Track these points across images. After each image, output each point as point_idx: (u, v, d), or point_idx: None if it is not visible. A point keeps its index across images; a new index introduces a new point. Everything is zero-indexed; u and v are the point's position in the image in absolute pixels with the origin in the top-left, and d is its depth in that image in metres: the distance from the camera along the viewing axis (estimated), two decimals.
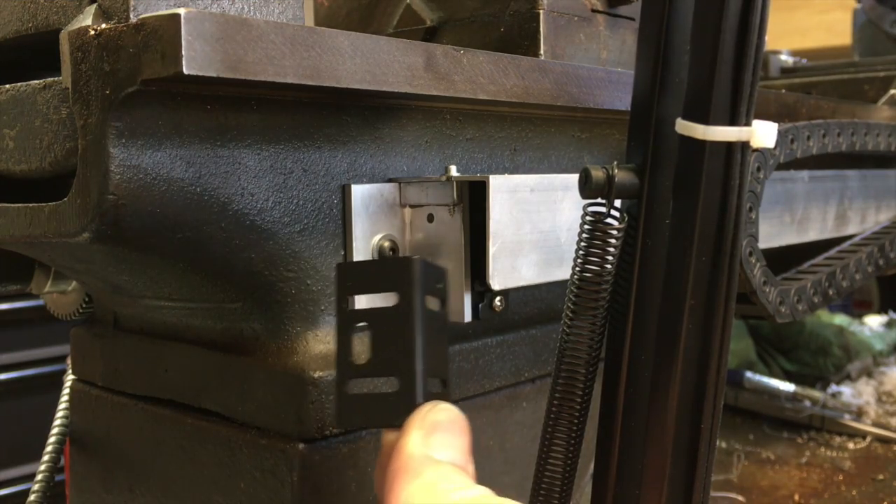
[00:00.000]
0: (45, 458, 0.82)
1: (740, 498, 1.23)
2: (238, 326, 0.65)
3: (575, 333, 0.57)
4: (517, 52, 0.77)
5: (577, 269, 0.56)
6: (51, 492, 0.82)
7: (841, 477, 1.30)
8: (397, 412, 0.48)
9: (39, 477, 0.82)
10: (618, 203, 0.55)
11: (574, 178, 0.57)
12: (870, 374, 1.73)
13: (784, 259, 0.98)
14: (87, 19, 0.53)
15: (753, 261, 0.84)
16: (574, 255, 0.57)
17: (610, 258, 0.55)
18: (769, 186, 0.89)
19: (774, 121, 0.53)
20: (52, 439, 0.82)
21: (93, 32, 0.51)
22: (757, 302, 0.86)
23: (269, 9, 0.59)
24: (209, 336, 0.68)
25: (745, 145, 0.53)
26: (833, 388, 1.64)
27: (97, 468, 0.79)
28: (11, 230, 0.59)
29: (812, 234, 1.05)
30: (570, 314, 0.57)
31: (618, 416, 0.56)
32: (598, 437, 0.58)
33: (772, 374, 1.69)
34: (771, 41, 1.71)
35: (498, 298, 0.67)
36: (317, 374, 0.61)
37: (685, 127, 0.52)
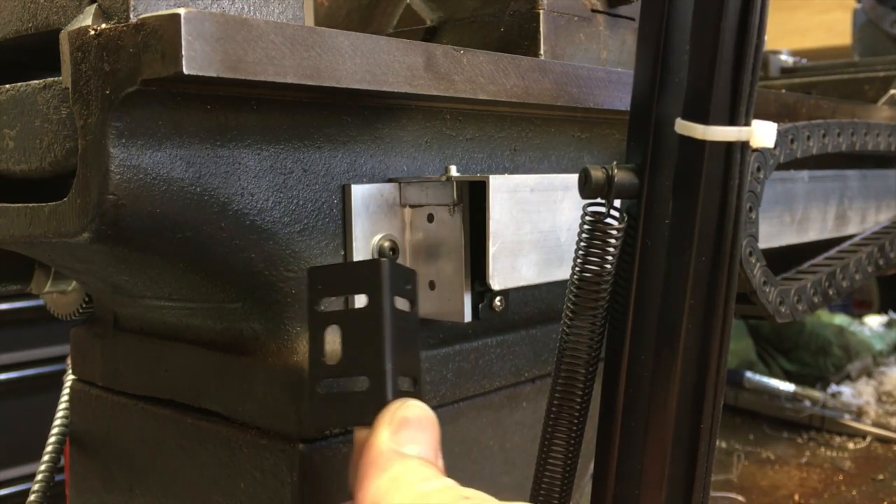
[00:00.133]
0: (45, 458, 0.82)
1: (740, 498, 1.23)
2: (238, 326, 0.65)
3: (575, 333, 0.57)
4: (517, 52, 0.77)
5: (577, 269, 0.56)
6: (51, 492, 0.82)
7: (841, 477, 1.30)
8: (368, 410, 0.49)
9: (39, 477, 0.82)
10: (617, 203, 0.55)
11: (574, 178, 0.57)
12: (870, 374, 1.73)
13: (784, 259, 0.98)
14: (87, 19, 0.53)
15: (753, 261, 0.84)
16: (574, 255, 0.57)
17: (610, 258, 0.55)
18: (769, 186, 0.89)
19: (774, 121, 0.54)
20: (52, 439, 0.82)
21: (93, 32, 0.51)
22: (757, 302, 0.86)
23: (269, 9, 0.59)
24: (209, 336, 0.68)
25: (744, 145, 0.53)
26: (833, 388, 1.64)
27: (97, 468, 0.79)
28: (11, 230, 0.59)
29: (812, 234, 1.05)
30: (570, 314, 0.57)
31: (618, 416, 0.56)
32: (598, 437, 0.58)
33: (772, 374, 1.69)
34: (771, 41, 1.71)
35: (498, 298, 0.67)
36: None
37: (685, 127, 0.52)
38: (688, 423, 0.55)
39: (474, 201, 0.64)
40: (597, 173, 0.54)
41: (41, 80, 0.58)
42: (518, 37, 0.82)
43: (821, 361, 1.71)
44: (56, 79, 0.56)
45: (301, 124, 0.60)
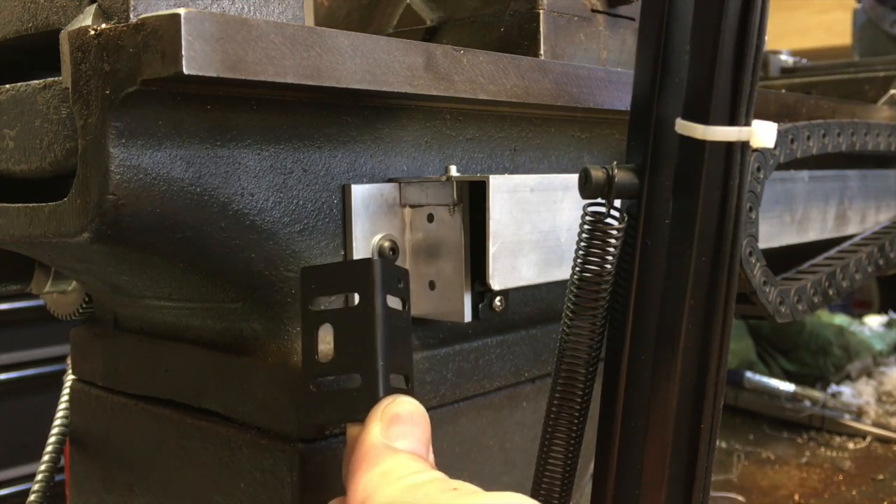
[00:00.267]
0: (45, 458, 0.82)
1: (740, 498, 1.23)
2: (238, 326, 0.65)
3: (575, 333, 0.57)
4: (517, 52, 0.77)
5: (577, 269, 0.56)
6: (51, 492, 0.82)
7: (841, 477, 1.30)
8: (360, 407, 0.51)
9: (39, 477, 0.82)
10: (618, 203, 0.55)
11: (574, 178, 0.57)
12: (870, 374, 1.73)
13: (784, 259, 0.98)
14: (87, 19, 0.53)
15: (753, 261, 0.84)
16: (574, 255, 0.57)
17: (610, 258, 0.55)
18: (769, 186, 0.89)
19: (774, 121, 0.54)
20: (52, 439, 0.82)
21: (93, 32, 0.51)
22: (757, 302, 0.86)
23: (269, 9, 0.59)
24: (209, 336, 0.68)
25: (744, 145, 0.53)
26: (833, 388, 1.64)
27: (97, 468, 0.79)
28: (11, 230, 0.59)
29: (812, 234, 1.05)
30: (570, 314, 0.57)
31: (618, 416, 0.56)
32: (598, 437, 0.58)
33: (772, 374, 1.69)
34: (771, 41, 1.71)
35: (498, 298, 0.67)
36: None
37: (685, 127, 0.52)
38: (688, 423, 0.55)
39: (474, 201, 0.64)
40: (597, 173, 0.54)
41: (41, 80, 0.58)
42: (518, 37, 0.82)
43: (821, 361, 1.71)
44: (56, 79, 0.56)
45: (301, 124, 0.60)
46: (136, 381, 0.74)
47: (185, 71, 0.47)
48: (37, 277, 0.81)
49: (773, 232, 0.97)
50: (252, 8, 0.58)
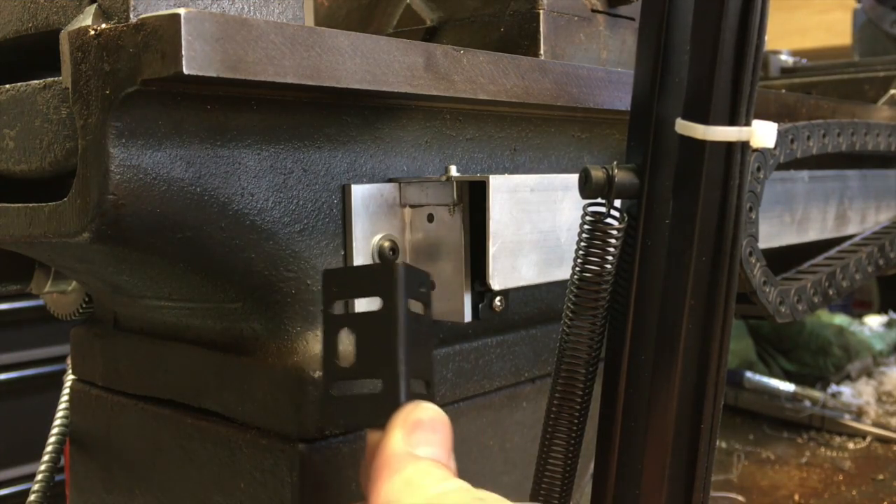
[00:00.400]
0: (45, 458, 0.82)
1: (740, 498, 1.23)
2: (238, 326, 0.65)
3: (575, 333, 0.57)
4: (517, 52, 0.77)
5: (577, 269, 0.56)
6: (51, 492, 0.82)
7: (841, 477, 1.30)
8: (381, 412, 0.49)
9: (39, 477, 0.82)
10: (618, 203, 0.55)
11: (574, 178, 0.57)
12: (870, 374, 1.73)
13: (784, 259, 0.98)
14: (87, 19, 0.53)
15: (753, 261, 0.84)
16: (574, 255, 0.57)
17: (610, 258, 0.56)
18: (769, 186, 0.89)
19: (774, 121, 0.54)
20: (52, 439, 0.82)
21: (93, 32, 0.51)
22: (757, 302, 0.86)
23: (269, 9, 0.59)
24: (209, 336, 0.68)
25: (744, 145, 0.53)
26: (833, 388, 1.64)
27: (97, 468, 0.79)
28: (11, 230, 0.59)
29: (812, 234, 1.05)
30: (570, 314, 0.57)
31: (618, 416, 0.56)
32: (598, 437, 0.58)
33: (772, 374, 1.69)
34: (771, 41, 1.71)
35: (498, 298, 0.67)
36: (317, 374, 0.61)
37: (685, 127, 0.52)
38: (688, 423, 0.55)
39: (474, 201, 0.64)
40: (597, 173, 0.54)
41: (41, 80, 0.58)
42: (518, 37, 0.82)
43: (821, 361, 1.71)
44: (56, 79, 0.56)
45: (301, 124, 0.60)
46: (136, 382, 0.74)
47: (185, 71, 0.47)
48: (37, 277, 0.81)
49: (773, 232, 0.97)
50: (252, 8, 0.58)
